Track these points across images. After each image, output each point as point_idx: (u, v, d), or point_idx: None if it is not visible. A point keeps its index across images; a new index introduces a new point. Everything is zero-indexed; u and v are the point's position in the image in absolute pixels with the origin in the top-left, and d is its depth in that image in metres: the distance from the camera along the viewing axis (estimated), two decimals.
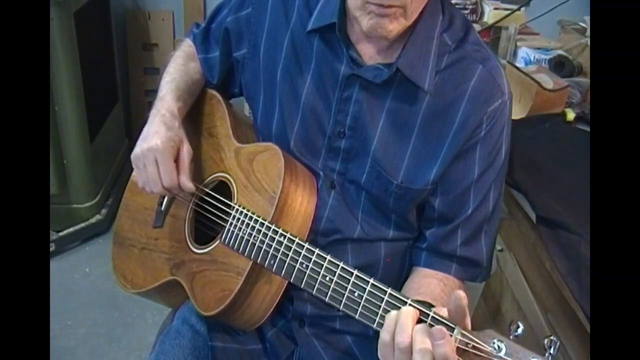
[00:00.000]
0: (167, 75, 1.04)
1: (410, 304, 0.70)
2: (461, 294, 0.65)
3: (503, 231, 1.45)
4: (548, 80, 1.50)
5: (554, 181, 1.23)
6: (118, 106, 2.58)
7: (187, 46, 1.10)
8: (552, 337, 0.64)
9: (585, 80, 1.61)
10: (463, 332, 0.66)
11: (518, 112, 1.48)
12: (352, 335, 0.99)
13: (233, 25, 0.99)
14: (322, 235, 0.94)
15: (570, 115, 1.47)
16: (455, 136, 0.86)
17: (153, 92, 2.80)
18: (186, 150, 0.94)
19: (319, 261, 0.79)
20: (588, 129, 1.43)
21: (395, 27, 0.80)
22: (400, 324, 0.66)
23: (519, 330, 0.66)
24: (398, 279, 0.99)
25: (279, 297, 0.89)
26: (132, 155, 0.93)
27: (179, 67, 1.05)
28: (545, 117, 1.47)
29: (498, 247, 1.46)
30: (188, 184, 0.93)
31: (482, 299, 1.55)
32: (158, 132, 0.91)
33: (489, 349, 0.64)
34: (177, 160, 0.93)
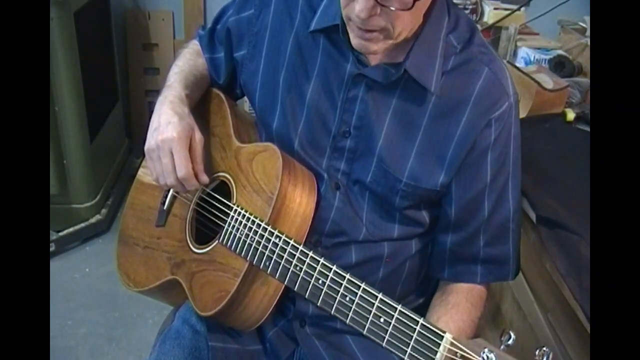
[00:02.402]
0: (175, 67, 1.04)
1: (400, 310, 0.70)
2: None
3: None
4: (548, 80, 1.50)
5: (554, 181, 1.23)
6: (118, 106, 2.58)
7: (194, 44, 1.10)
8: (544, 348, 0.64)
9: (585, 80, 1.61)
10: (452, 341, 0.66)
11: (518, 112, 1.48)
12: (353, 335, 0.99)
13: (234, 26, 1.00)
14: (327, 236, 0.94)
15: (570, 115, 1.47)
16: (462, 138, 0.87)
17: (153, 92, 2.80)
18: (198, 139, 0.93)
19: (313, 264, 0.79)
20: (588, 129, 1.43)
21: (380, 47, 0.81)
22: None
23: (510, 341, 0.66)
24: (398, 281, 0.99)
25: (277, 298, 0.89)
26: (146, 147, 0.92)
27: (187, 61, 1.05)
28: (545, 117, 1.47)
29: None
30: (203, 176, 0.93)
31: None
32: (171, 122, 0.90)
33: (478, 359, 0.64)
34: (190, 149, 0.92)
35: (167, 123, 0.90)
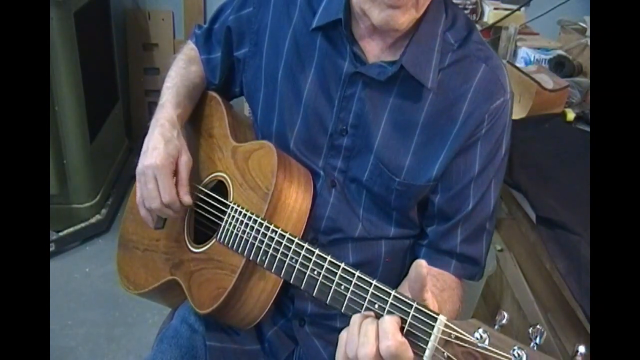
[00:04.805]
0: (168, 80, 1.04)
1: (395, 295, 0.70)
2: (422, 262, 0.66)
3: (503, 231, 1.45)
4: (548, 80, 1.51)
5: (554, 181, 1.23)
6: (118, 106, 2.58)
7: (189, 49, 1.10)
8: (537, 326, 0.63)
9: (585, 80, 1.62)
10: (446, 322, 0.65)
11: (518, 112, 1.48)
12: None
13: (235, 24, 1.00)
14: (323, 233, 0.94)
15: (570, 115, 1.48)
16: (458, 134, 0.87)
17: (153, 92, 2.81)
18: (184, 162, 0.94)
19: (308, 255, 0.79)
20: (588, 129, 1.44)
21: (406, 19, 0.80)
22: (383, 330, 0.66)
23: (504, 320, 0.66)
24: (399, 278, 0.99)
25: (275, 294, 0.89)
26: (136, 170, 0.94)
27: (180, 71, 1.05)
28: (545, 117, 1.47)
29: (498, 247, 1.46)
30: (186, 198, 0.93)
31: (482, 299, 1.55)
32: (157, 148, 0.91)
33: (472, 339, 0.64)
34: (176, 171, 0.93)
35: (154, 149, 0.91)
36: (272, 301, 0.89)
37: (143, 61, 2.75)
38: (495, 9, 2.00)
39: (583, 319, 0.99)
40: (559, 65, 1.68)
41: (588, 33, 1.87)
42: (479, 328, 0.64)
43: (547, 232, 1.12)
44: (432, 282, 0.90)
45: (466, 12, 2.01)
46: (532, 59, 1.76)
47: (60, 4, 1.89)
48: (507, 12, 1.93)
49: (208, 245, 0.94)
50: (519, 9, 1.96)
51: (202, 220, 0.99)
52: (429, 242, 0.95)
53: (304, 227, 0.90)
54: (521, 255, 1.37)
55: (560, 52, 1.77)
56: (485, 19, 2.02)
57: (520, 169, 1.26)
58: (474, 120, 0.86)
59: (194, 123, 1.06)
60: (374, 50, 0.88)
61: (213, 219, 0.95)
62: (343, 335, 0.71)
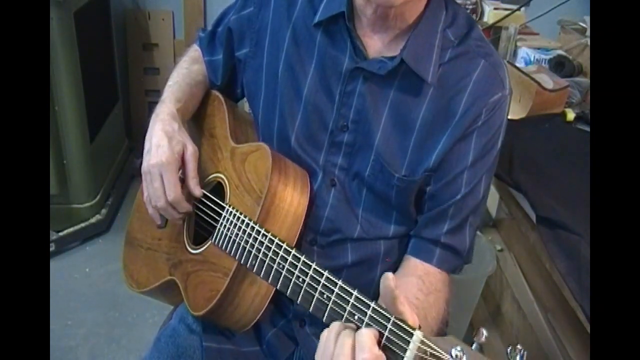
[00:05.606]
0: (170, 79, 1.05)
1: (374, 308, 0.69)
2: (389, 274, 0.67)
3: (503, 231, 1.45)
4: (548, 80, 1.51)
5: (554, 181, 1.23)
6: (118, 106, 2.58)
7: (193, 51, 1.11)
8: (517, 346, 0.62)
9: (585, 80, 1.62)
10: (422, 339, 0.65)
11: (518, 112, 1.49)
12: None
13: (236, 25, 1.00)
14: (322, 235, 0.94)
15: (570, 115, 1.48)
16: (456, 126, 0.87)
17: (153, 92, 2.80)
18: (190, 154, 0.94)
19: (294, 262, 0.79)
20: (588, 129, 1.44)
21: None
22: (360, 343, 0.66)
23: (483, 339, 0.64)
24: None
25: (269, 298, 0.89)
26: (142, 170, 0.94)
27: (181, 71, 1.06)
28: (545, 117, 1.47)
29: (498, 247, 1.46)
30: (197, 191, 0.93)
31: (482, 299, 1.55)
32: (161, 146, 0.91)
33: (447, 357, 0.63)
34: (183, 165, 0.93)
35: (157, 146, 0.92)
36: (266, 305, 0.89)
37: (143, 61, 2.75)
38: (495, 9, 2.00)
39: (583, 319, 0.99)
40: (559, 65, 1.69)
41: (588, 33, 1.87)
42: (456, 346, 0.63)
43: (547, 232, 1.12)
44: (418, 285, 0.90)
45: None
46: (532, 59, 1.76)
47: (60, 4, 1.89)
48: (507, 12, 1.93)
49: (204, 247, 0.94)
50: (519, 9, 1.96)
51: (200, 221, 0.99)
52: (416, 230, 0.94)
53: (300, 230, 0.89)
54: (521, 255, 1.37)
55: (560, 52, 1.78)
56: (485, 19, 2.02)
57: (520, 169, 1.26)
58: (472, 112, 0.86)
59: (196, 122, 1.06)
60: (375, 45, 0.89)
61: (210, 220, 0.95)
62: (324, 334, 0.71)
